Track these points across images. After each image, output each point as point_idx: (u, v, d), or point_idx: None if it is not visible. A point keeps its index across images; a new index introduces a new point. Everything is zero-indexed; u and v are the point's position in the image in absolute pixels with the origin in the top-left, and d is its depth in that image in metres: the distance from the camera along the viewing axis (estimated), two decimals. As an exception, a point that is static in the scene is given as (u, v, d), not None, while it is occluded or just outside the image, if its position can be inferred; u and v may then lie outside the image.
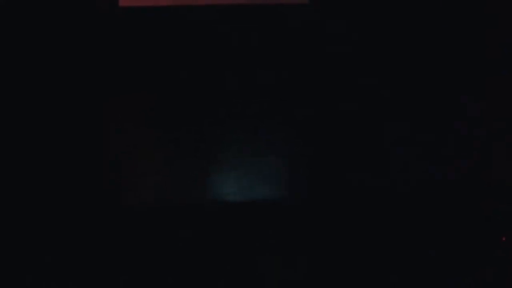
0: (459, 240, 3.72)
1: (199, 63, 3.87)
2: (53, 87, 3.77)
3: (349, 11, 3.83)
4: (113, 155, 3.78)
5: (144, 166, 3.79)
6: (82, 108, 3.78)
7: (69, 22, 3.81)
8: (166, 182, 3.79)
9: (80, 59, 3.81)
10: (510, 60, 3.88)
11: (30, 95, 3.75)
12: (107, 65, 3.85)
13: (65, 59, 3.80)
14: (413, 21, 3.91)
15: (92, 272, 3.58)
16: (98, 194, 3.73)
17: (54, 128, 3.73)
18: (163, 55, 3.89)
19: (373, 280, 3.61)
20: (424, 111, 3.86)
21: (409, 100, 3.87)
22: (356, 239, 3.74)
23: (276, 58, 3.88)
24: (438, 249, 3.69)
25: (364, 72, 3.88)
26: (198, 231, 3.72)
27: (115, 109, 3.82)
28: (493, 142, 3.82)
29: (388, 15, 3.88)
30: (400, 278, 3.62)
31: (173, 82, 3.88)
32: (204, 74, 3.88)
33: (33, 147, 3.71)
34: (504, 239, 3.58)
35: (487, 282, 3.55)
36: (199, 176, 3.80)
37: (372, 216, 3.79)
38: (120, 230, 3.70)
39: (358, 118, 3.84)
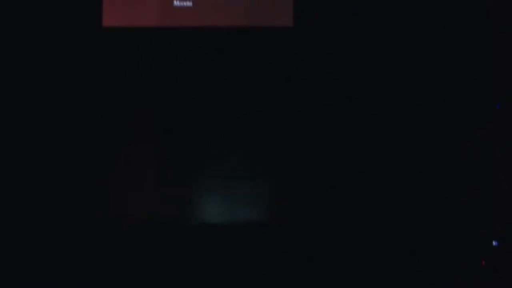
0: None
1: (183, 86, 3.93)
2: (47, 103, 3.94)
3: (333, 34, 3.85)
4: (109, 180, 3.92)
5: (135, 188, 3.96)
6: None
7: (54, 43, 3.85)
8: (154, 203, 3.94)
9: (70, 77, 3.90)
10: None
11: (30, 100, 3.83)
12: (97, 86, 3.93)
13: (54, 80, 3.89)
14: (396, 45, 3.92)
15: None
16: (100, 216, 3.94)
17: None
18: (147, 76, 3.95)
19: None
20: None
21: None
22: (340, 261, 3.84)
23: (263, 82, 3.93)
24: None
25: (350, 93, 3.92)
26: (183, 250, 3.88)
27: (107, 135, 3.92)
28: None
29: (372, 38, 3.90)
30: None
31: (159, 106, 3.95)
32: (189, 98, 3.93)
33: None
34: (483, 263, 3.65)
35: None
36: (186, 198, 3.93)
37: (358, 238, 3.86)
38: (110, 244, 3.94)
39: (346, 142, 3.88)
